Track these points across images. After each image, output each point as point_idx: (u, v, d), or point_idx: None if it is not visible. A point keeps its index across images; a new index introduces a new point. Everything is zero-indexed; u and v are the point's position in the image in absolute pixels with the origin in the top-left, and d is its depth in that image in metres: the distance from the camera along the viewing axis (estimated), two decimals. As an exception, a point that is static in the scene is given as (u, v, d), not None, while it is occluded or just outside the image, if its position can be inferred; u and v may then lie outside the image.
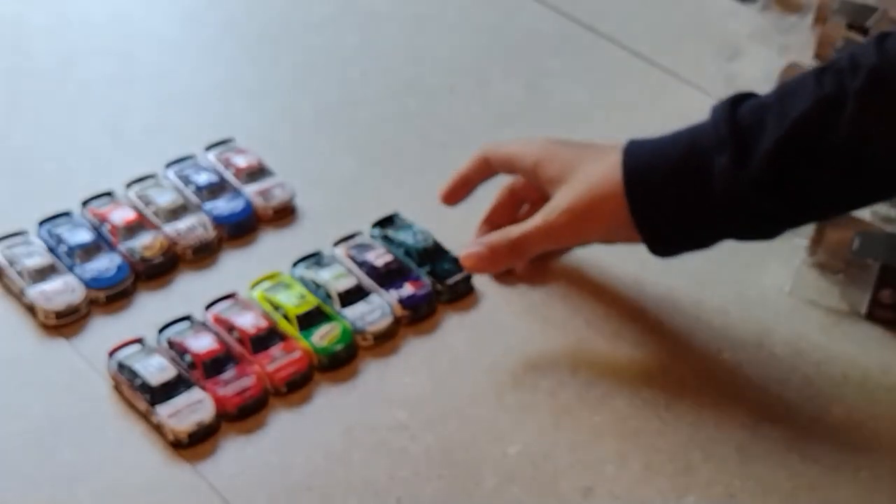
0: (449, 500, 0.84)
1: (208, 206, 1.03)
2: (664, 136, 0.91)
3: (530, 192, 0.98)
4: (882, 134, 0.85)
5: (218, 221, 1.02)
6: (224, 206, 1.03)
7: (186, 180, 1.04)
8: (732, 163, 0.86)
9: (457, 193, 1.00)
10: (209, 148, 1.07)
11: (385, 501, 0.84)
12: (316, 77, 1.21)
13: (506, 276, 0.98)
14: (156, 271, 0.98)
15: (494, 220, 0.99)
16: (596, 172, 0.91)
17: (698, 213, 0.89)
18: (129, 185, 1.04)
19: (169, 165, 1.06)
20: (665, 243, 0.92)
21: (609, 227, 0.92)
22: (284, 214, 1.04)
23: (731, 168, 0.86)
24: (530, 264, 0.97)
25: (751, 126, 0.87)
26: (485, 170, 0.99)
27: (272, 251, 1.01)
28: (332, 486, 0.85)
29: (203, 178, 1.04)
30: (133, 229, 1.00)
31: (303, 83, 1.19)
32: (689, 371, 0.94)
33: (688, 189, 0.88)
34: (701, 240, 0.91)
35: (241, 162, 1.06)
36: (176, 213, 1.02)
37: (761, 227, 0.90)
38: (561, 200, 0.92)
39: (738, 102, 0.89)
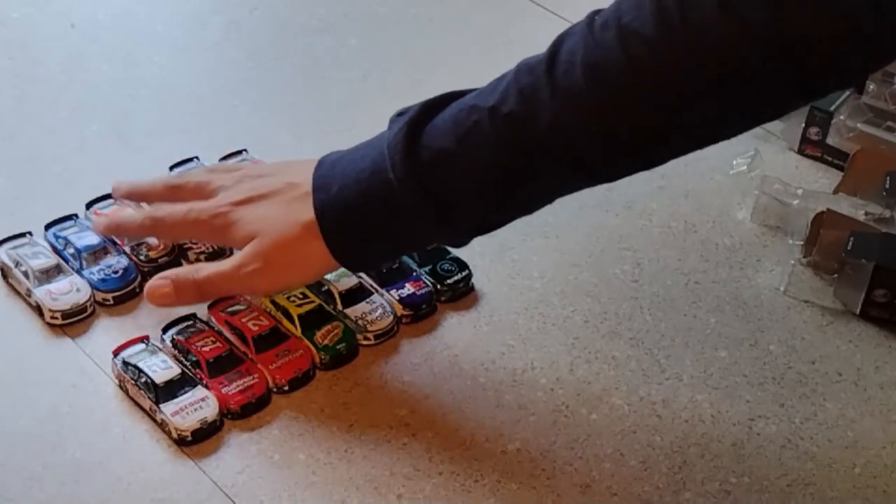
0: (449, 497, 0.85)
1: None
2: (348, 181, 0.88)
3: (197, 196, 0.96)
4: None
5: None
6: None
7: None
8: (437, 223, 0.87)
9: (129, 197, 1.00)
10: (223, 159, 1.07)
11: (386, 498, 0.84)
12: (319, 80, 1.21)
13: None
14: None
15: (140, 195, 0.99)
16: (289, 225, 0.89)
17: (401, 249, 0.95)
18: None
19: (173, 167, 1.06)
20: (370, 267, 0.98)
21: (309, 273, 0.92)
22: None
23: (435, 225, 0.87)
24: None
25: (445, 191, 0.86)
26: (168, 198, 0.98)
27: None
28: (334, 482, 0.85)
29: None
30: None
31: (306, 86, 1.20)
32: (685, 369, 0.94)
33: (390, 240, 0.90)
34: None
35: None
36: None
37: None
38: (256, 250, 0.90)
39: (412, 149, 0.86)
